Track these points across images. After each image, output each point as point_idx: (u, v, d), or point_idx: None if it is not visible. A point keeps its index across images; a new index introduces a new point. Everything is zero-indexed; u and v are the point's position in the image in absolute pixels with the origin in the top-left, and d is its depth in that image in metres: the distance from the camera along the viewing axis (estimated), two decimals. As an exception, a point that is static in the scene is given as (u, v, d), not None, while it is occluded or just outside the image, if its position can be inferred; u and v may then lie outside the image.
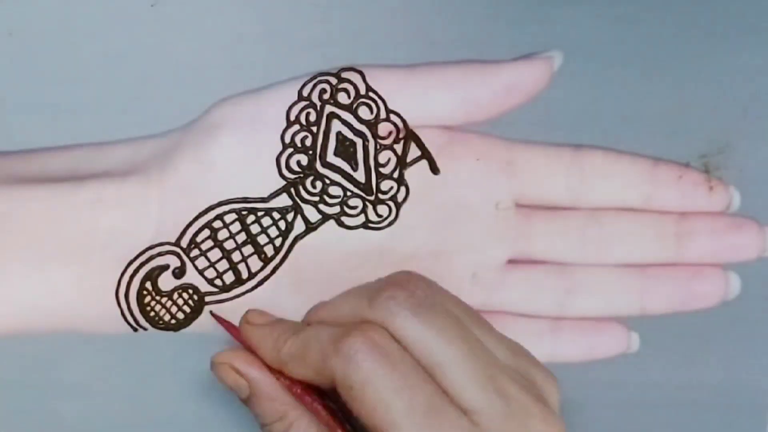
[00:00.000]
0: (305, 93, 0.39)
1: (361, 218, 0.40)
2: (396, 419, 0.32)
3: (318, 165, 0.39)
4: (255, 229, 0.39)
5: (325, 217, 0.40)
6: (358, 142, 0.39)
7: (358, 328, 0.34)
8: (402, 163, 0.40)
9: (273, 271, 0.39)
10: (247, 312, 0.37)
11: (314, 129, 0.39)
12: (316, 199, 0.39)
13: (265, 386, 0.36)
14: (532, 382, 0.34)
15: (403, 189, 0.40)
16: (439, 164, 0.40)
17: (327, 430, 0.35)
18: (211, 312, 0.39)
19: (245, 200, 0.39)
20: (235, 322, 0.38)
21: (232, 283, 0.39)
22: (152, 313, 0.39)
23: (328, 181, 0.39)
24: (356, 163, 0.39)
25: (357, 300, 0.35)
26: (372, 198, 0.40)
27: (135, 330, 0.39)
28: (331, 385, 0.34)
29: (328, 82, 0.39)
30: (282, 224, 0.39)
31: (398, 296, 0.34)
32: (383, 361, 0.33)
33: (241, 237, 0.39)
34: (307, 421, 0.35)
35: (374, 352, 0.33)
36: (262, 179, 0.39)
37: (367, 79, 0.39)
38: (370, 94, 0.39)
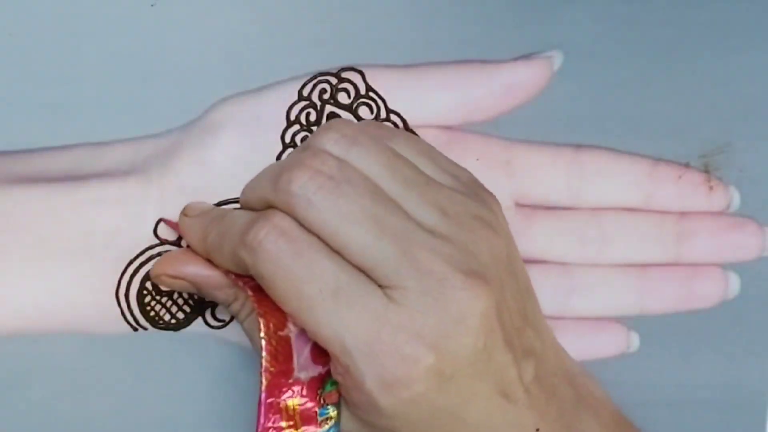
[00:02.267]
0: (305, 93, 0.39)
1: (361, 218, 0.40)
2: (309, 305, 0.32)
3: (318, 165, 0.39)
4: (255, 229, 0.39)
5: (325, 217, 0.40)
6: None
7: (263, 216, 0.33)
8: (402, 163, 0.40)
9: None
10: (187, 204, 0.37)
11: (314, 129, 0.39)
12: (316, 199, 0.39)
13: (206, 279, 0.36)
14: (458, 247, 0.32)
15: (403, 189, 0.40)
16: (439, 164, 0.40)
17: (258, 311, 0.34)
18: (162, 219, 0.39)
19: (245, 200, 0.39)
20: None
21: (232, 283, 0.39)
22: (152, 313, 0.39)
23: (328, 181, 0.39)
24: (356, 163, 0.39)
25: (265, 182, 0.34)
26: (372, 198, 0.40)
27: (135, 330, 0.39)
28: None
29: (328, 82, 0.39)
30: (282, 224, 0.39)
31: (298, 178, 0.32)
32: (288, 248, 0.32)
33: (241, 237, 0.39)
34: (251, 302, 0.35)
35: (279, 240, 0.32)
36: (262, 179, 0.39)
37: (367, 79, 0.39)
38: (370, 94, 0.39)
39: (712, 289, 0.42)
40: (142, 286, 0.39)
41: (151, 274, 0.37)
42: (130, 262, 0.39)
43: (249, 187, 0.35)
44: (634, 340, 0.42)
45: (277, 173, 0.33)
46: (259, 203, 0.34)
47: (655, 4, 0.40)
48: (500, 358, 0.33)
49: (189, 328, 0.40)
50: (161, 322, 0.39)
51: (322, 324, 0.32)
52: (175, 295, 0.39)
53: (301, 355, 0.33)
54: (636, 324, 0.42)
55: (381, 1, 0.39)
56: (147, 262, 0.39)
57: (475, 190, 0.35)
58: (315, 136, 0.34)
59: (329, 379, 0.33)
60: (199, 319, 0.40)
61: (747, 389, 0.42)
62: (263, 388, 0.33)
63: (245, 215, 0.34)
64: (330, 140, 0.34)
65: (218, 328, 0.40)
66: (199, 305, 0.39)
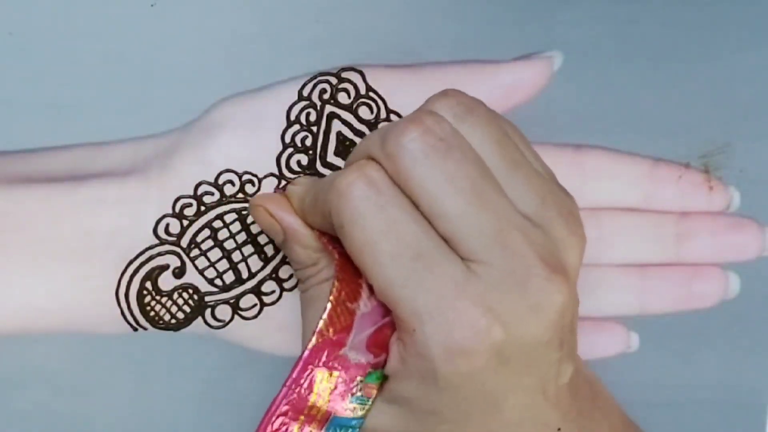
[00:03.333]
0: (305, 93, 0.39)
1: (361, 218, 0.40)
2: (382, 262, 0.31)
3: (318, 165, 0.39)
4: (255, 228, 0.39)
5: (325, 217, 0.40)
6: (359, 141, 0.39)
7: (356, 164, 0.32)
8: (402, 163, 0.40)
9: (273, 271, 0.39)
10: (297, 178, 0.37)
11: (314, 129, 0.39)
12: (316, 199, 0.39)
13: (297, 233, 0.35)
14: (551, 240, 0.32)
15: (403, 189, 0.40)
16: (439, 164, 0.40)
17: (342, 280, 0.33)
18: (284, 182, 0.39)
19: (245, 200, 0.39)
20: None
21: (232, 282, 0.39)
22: (152, 313, 0.39)
23: (328, 181, 0.39)
24: (356, 163, 0.39)
25: (374, 137, 0.33)
26: (372, 198, 0.40)
27: (135, 330, 0.39)
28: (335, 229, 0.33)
29: (328, 82, 0.39)
30: (282, 224, 0.39)
31: (410, 131, 0.31)
32: (375, 199, 0.31)
33: (242, 237, 0.39)
34: (332, 270, 0.34)
35: (366, 188, 0.31)
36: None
37: (367, 79, 0.39)
38: (371, 94, 0.39)
39: (712, 289, 0.42)
40: (142, 286, 0.39)
41: (251, 202, 0.36)
42: (130, 262, 0.39)
43: (357, 147, 0.34)
44: (634, 340, 0.41)
45: (389, 128, 0.32)
46: (362, 158, 0.33)
47: (655, 4, 0.40)
48: (551, 355, 0.33)
49: (189, 328, 0.40)
50: (161, 322, 0.39)
51: (395, 284, 0.31)
52: (175, 295, 0.39)
53: (359, 336, 0.33)
54: (636, 324, 0.42)
55: (381, 1, 0.39)
56: (147, 262, 0.39)
57: (562, 189, 0.35)
58: (431, 100, 0.33)
59: (374, 372, 0.33)
60: (199, 319, 0.40)
61: (747, 389, 0.42)
62: (310, 346, 0.32)
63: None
64: (446, 105, 0.33)
65: (218, 328, 0.40)
66: (199, 305, 0.39)
